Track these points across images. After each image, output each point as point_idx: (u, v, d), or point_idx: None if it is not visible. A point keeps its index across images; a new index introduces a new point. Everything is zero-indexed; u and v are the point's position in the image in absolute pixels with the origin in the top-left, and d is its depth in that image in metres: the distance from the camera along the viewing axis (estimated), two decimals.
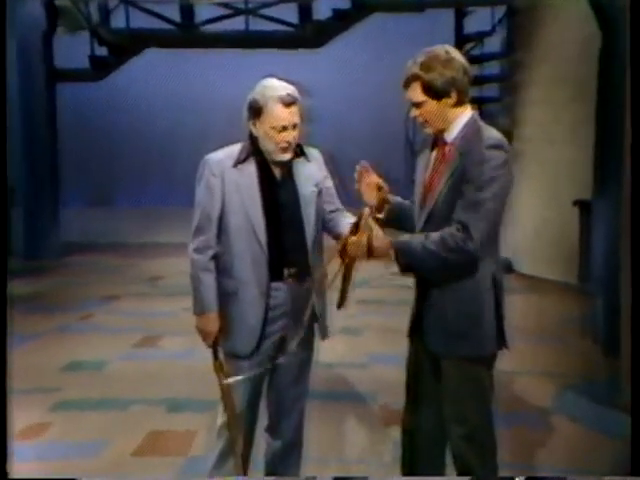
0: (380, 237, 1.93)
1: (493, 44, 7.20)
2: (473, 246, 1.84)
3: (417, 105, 1.94)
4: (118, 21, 7.45)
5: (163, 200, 10.25)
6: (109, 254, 7.70)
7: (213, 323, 2.21)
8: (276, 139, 2.14)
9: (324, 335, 2.37)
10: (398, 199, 2.17)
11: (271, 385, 2.36)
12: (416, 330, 2.07)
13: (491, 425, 2.01)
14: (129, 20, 7.42)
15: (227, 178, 2.19)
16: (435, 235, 1.87)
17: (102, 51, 7.77)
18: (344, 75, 9.80)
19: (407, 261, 1.91)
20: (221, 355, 2.28)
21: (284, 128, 2.13)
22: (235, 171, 2.20)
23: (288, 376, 2.32)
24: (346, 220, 2.25)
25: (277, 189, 2.24)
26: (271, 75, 2.24)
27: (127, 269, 6.95)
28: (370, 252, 1.93)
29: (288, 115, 2.13)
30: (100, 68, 7.81)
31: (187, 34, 7.35)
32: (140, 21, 7.41)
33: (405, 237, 1.94)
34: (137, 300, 5.65)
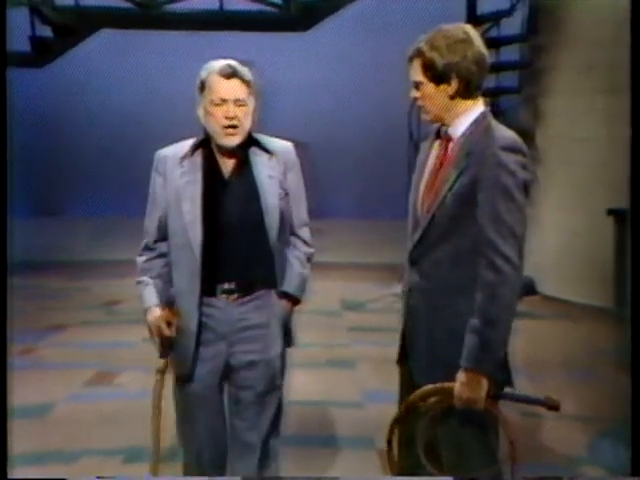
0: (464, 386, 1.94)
1: (512, 25, 7.31)
2: (519, 272, 1.92)
3: (416, 85, 2.02)
4: None
5: (121, 208, 10.22)
6: (54, 274, 7.69)
7: (157, 314, 2.32)
8: (216, 116, 2.23)
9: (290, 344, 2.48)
10: None
11: (230, 424, 2.44)
12: (405, 359, 2.13)
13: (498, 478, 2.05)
14: None
15: (170, 175, 2.32)
16: (484, 299, 1.90)
17: (45, 31, 7.80)
18: (335, 62, 9.89)
19: (497, 355, 1.94)
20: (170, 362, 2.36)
21: (223, 101, 2.23)
22: (179, 167, 2.31)
23: (246, 414, 2.39)
24: (294, 271, 2.36)
25: (223, 188, 2.31)
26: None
27: (76, 292, 6.95)
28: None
29: (227, 87, 2.23)
30: (43, 52, 7.83)
31: (148, 14, 7.42)
32: None
33: (468, 348, 1.92)
34: (89, 330, 5.66)
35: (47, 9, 7.44)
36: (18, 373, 4.63)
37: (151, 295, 2.37)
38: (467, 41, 1.97)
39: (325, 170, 9.23)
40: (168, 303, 2.36)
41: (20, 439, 3.56)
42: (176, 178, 2.31)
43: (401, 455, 2.15)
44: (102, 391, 4.31)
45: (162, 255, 2.39)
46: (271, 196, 2.30)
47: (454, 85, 1.97)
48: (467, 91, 1.99)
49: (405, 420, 2.05)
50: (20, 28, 7.51)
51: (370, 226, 9.26)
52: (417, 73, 2.00)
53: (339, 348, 4.96)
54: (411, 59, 2.02)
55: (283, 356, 2.45)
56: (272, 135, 2.47)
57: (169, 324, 2.31)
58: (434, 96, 1.99)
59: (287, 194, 2.34)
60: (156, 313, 2.33)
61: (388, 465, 2.16)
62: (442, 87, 1.98)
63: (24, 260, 8.02)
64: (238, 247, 2.29)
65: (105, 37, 7.89)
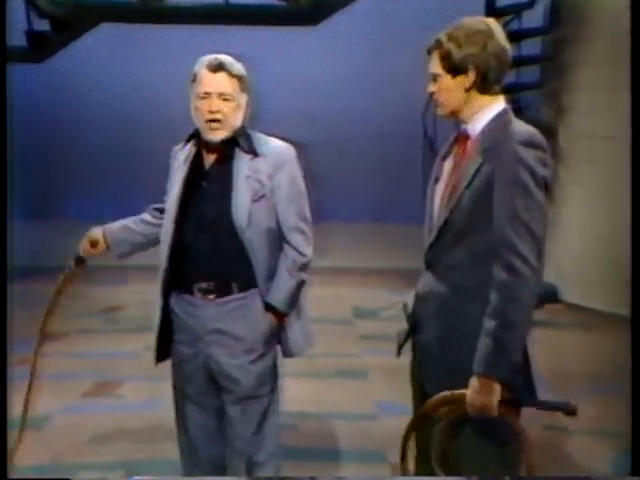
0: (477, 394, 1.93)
1: (533, 18, 7.31)
2: (538, 275, 1.91)
3: (433, 78, 2.05)
4: None
5: (123, 210, 10.29)
6: (50, 280, 7.70)
7: (91, 231, 2.62)
8: (201, 109, 2.33)
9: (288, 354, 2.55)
10: None
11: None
12: (416, 368, 2.16)
13: None
14: None
15: (172, 167, 2.49)
16: (500, 301, 1.89)
17: (43, 25, 7.86)
18: (346, 58, 9.90)
19: (511, 358, 1.93)
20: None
21: (207, 94, 2.31)
22: (176, 161, 2.47)
23: (231, 419, 2.44)
24: (280, 282, 2.39)
25: (202, 184, 2.39)
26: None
27: (74, 299, 6.96)
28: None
29: (212, 80, 2.31)
30: (41, 46, 7.88)
31: (150, 7, 7.46)
32: None
33: (481, 352, 1.92)
34: (88, 338, 5.69)
35: (44, 1, 7.49)
36: (14, 384, 4.66)
37: (113, 224, 2.65)
38: (487, 33, 1.99)
39: (336, 170, 9.24)
40: (118, 241, 2.61)
41: (16, 452, 3.59)
42: (173, 172, 2.47)
43: (414, 465, 2.16)
44: (102, 402, 4.33)
45: (145, 220, 2.64)
46: (242, 196, 2.34)
47: (471, 77, 1.99)
48: (484, 85, 2.00)
49: (419, 430, 2.06)
50: (16, 22, 7.57)
51: (383, 229, 9.26)
52: (435, 65, 2.03)
53: (350, 357, 4.97)
54: (430, 51, 2.05)
55: (269, 365, 2.47)
56: (278, 133, 2.50)
57: (93, 244, 2.57)
58: (451, 88, 2.01)
59: (263, 195, 2.37)
60: (91, 231, 2.62)
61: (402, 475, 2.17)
62: (459, 79, 2.00)
63: (19, 264, 8.07)
64: (213, 246, 2.35)
65: (107, 31, 7.93)
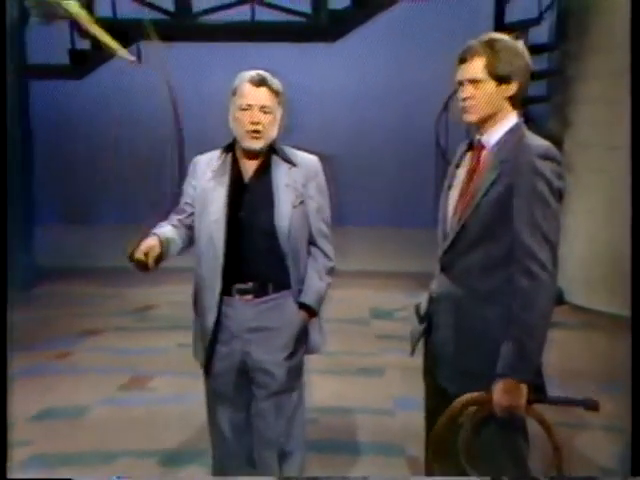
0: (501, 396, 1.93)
1: (540, 34, 7.29)
2: (554, 280, 1.93)
3: (473, 82, 2.00)
4: (103, 9, 7.65)
5: (154, 215, 10.34)
6: (88, 280, 7.79)
7: (147, 240, 2.36)
8: (242, 120, 2.36)
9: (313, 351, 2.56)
10: None
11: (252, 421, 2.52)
12: (429, 365, 2.16)
13: None
14: (115, 8, 7.63)
15: (201, 177, 2.46)
16: (520, 306, 1.91)
17: (84, 44, 7.95)
18: (363, 73, 9.92)
19: (532, 363, 1.96)
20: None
21: (249, 106, 2.36)
22: (209, 171, 2.45)
23: (264, 412, 2.46)
24: (312, 284, 2.42)
25: (242, 192, 2.42)
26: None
27: (109, 299, 7.04)
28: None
29: (255, 93, 2.36)
30: (81, 64, 8.00)
31: (183, 25, 7.53)
32: (128, 10, 7.61)
33: (504, 356, 1.93)
34: (122, 335, 5.73)
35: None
36: (53, 377, 4.73)
37: (160, 227, 2.48)
38: (524, 50, 2.04)
39: (354, 176, 9.25)
40: (167, 242, 2.38)
41: (54, 442, 3.65)
42: (205, 181, 2.45)
43: (427, 463, 2.17)
44: (135, 396, 4.38)
45: (180, 223, 2.51)
46: (284, 203, 2.39)
47: (513, 88, 2.01)
48: (518, 97, 2.02)
49: (445, 433, 2.04)
50: (61, 42, 7.68)
51: (398, 234, 9.25)
52: (477, 70, 1.99)
53: (368, 356, 4.98)
54: (469, 57, 2.01)
55: (299, 361, 2.51)
56: (299, 145, 2.55)
57: (147, 254, 2.31)
58: (492, 94, 2.00)
59: (302, 202, 2.42)
60: (147, 238, 2.37)
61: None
62: (502, 87, 2.00)
63: (58, 266, 8.16)
64: (252, 249, 2.40)
65: (142, 48, 8.01)
